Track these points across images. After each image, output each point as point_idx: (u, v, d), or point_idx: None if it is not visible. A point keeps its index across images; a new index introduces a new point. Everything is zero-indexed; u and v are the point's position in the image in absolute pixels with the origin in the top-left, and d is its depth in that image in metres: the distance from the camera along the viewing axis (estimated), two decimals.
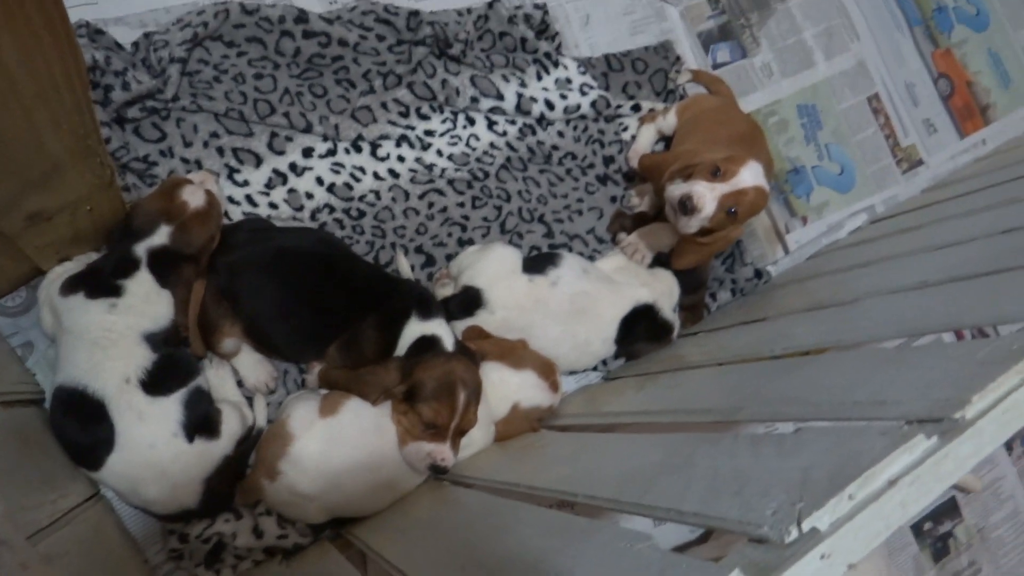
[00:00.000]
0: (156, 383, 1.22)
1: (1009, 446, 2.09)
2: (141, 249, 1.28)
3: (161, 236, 1.29)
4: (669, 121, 1.81)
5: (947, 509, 1.99)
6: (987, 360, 0.85)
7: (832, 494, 0.70)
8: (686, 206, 1.43)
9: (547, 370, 1.45)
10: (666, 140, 1.85)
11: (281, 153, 1.58)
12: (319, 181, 1.59)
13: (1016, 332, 0.92)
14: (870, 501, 0.70)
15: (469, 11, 1.80)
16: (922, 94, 2.25)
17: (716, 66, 2.05)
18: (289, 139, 1.60)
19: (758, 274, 1.84)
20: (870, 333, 1.18)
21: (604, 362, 1.66)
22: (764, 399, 1.06)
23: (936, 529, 1.97)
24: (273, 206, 1.55)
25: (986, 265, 1.24)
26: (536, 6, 1.86)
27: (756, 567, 0.67)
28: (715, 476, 0.85)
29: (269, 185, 1.56)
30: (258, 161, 1.56)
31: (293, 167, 1.58)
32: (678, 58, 1.99)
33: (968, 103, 2.30)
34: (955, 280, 1.24)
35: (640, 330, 1.58)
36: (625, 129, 1.88)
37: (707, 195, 1.43)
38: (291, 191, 1.57)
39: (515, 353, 1.44)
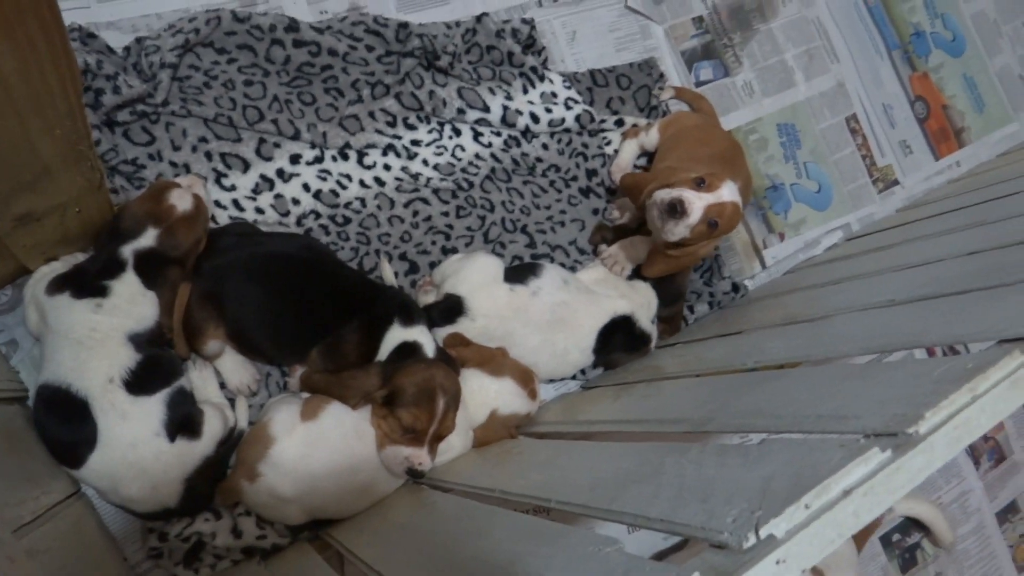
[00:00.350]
0: (139, 383, 1.24)
1: (976, 461, 2.14)
2: (128, 251, 1.30)
3: (148, 238, 1.31)
4: (652, 137, 1.85)
5: (915, 521, 2.04)
6: (942, 378, 0.89)
7: (789, 503, 0.74)
8: (675, 209, 1.45)
9: (526, 378, 1.48)
10: (648, 155, 1.89)
11: (269, 159, 1.61)
12: (306, 187, 1.62)
13: (974, 352, 0.96)
14: (825, 510, 0.73)
15: (458, 24, 1.83)
16: (899, 116, 2.30)
17: (699, 84, 2.10)
18: (277, 145, 1.62)
19: (735, 288, 1.88)
20: (838, 349, 1.22)
21: (583, 371, 1.69)
22: (734, 411, 1.10)
23: (904, 541, 2.02)
24: (259, 211, 1.58)
25: (952, 286, 1.28)
26: (523, 21, 1.90)
27: (715, 571, 0.70)
28: (682, 484, 0.89)
29: (256, 190, 1.58)
30: (246, 166, 1.58)
31: (280, 173, 1.61)
32: (662, 75, 2.03)
33: (943, 126, 2.36)
34: (921, 299, 1.28)
35: (618, 340, 1.62)
36: (608, 143, 1.91)
37: (696, 202, 1.46)
38: (278, 197, 1.59)
39: (495, 361, 1.47)
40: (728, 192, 1.48)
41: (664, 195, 1.46)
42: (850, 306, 1.41)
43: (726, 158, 1.73)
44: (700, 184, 1.46)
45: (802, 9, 2.25)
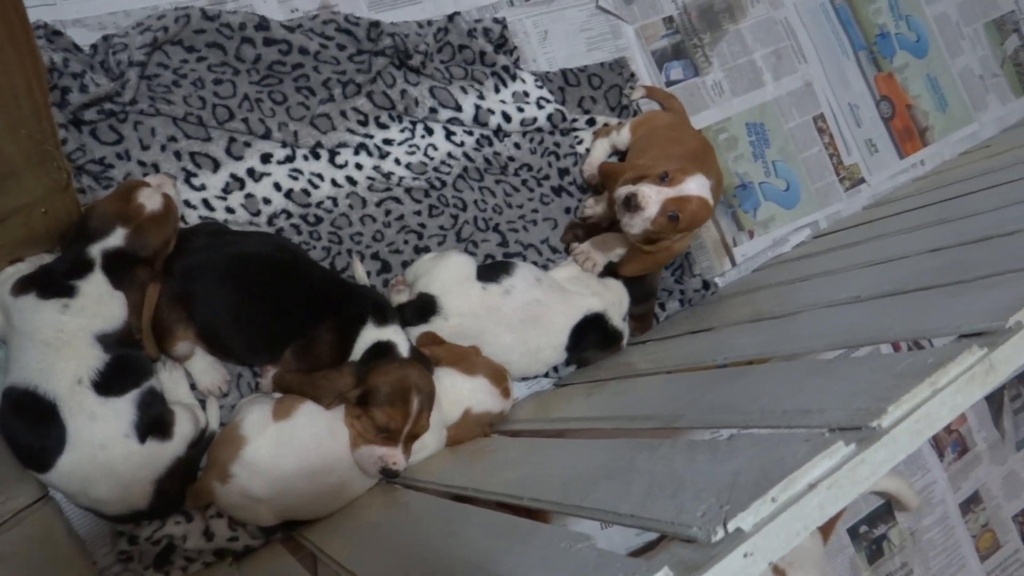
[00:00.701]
0: (108, 384, 1.23)
1: (940, 453, 2.18)
2: (95, 251, 1.29)
3: (116, 238, 1.30)
4: (623, 136, 1.87)
5: (882, 513, 2.08)
6: (904, 373, 0.91)
7: (756, 497, 0.75)
8: (630, 203, 1.48)
9: (499, 376, 1.49)
10: (620, 154, 1.91)
11: (239, 158, 1.60)
12: (277, 187, 1.61)
13: (936, 347, 0.99)
14: (791, 503, 0.75)
15: (430, 23, 1.83)
16: (865, 115, 2.34)
17: (669, 84, 2.12)
18: (247, 145, 1.61)
19: (706, 285, 1.90)
20: (805, 345, 1.24)
21: (555, 368, 1.70)
22: (703, 407, 1.12)
23: (871, 532, 2.06)
24: (230, 211, 1.56)
25: (915, 282, 1.31)
26: (495, 20, 1.90)
27: (684, 565, 0.72)
28: (652, 480, 0.90)
29: (226, 190, 1.57)
30: (216, 166, 1.57)
31: (251, 172, 1.60)
32: (632, 74, 2.05)
33: (908, 125, 2.40)
34: (886, 296, 1.31)
35: (590, 338, 1.63)
36: (580, 142, 1.93)
37: (652, 196, 1.48)
38: (248, 196, 1.58)
39: (468, 359, 1.48)
40: (695, 186, 1.50)
41: (622, 190, 1.48)
42: (817, 302, 1.43)
43: (697, 157, 1.75)
44: (663, 179, 1.48)
45: (770, 10, 2.28)
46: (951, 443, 2.20)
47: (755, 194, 2.14)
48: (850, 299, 1.36)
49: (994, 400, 2.29)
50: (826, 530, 1.86)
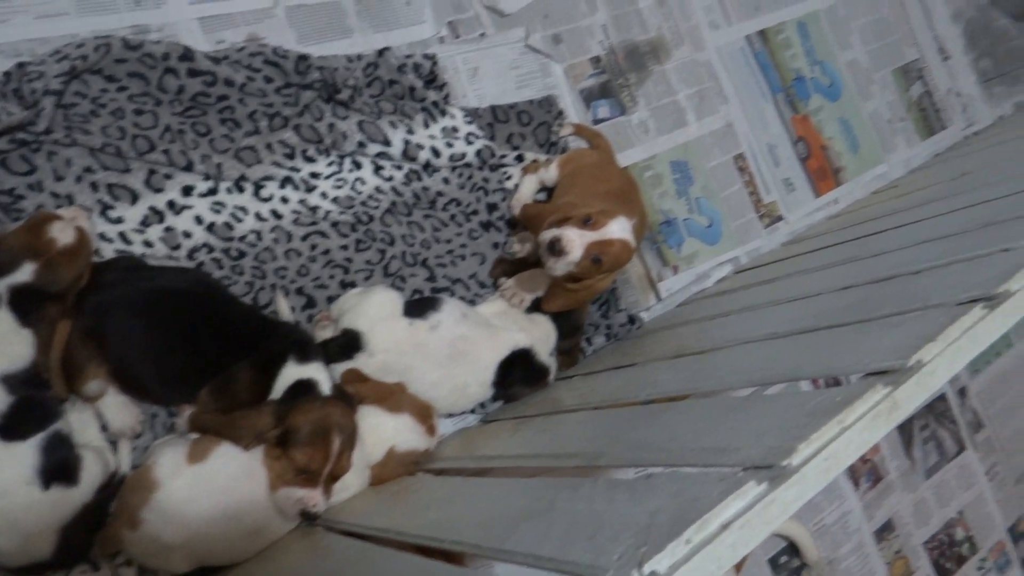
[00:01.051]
0: (12, 427, 1.18)
1: (856, 482, 2.26)
2: (1, 287, 1.23)
3: (24, 273, 1.25)
4: (551, 173, 1.90)
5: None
6: (814, 410, 0.94)
7: (672, 538, 0.76)
8: (554, 247, 1.50)
9: (424, 414, 1.48)
10: (548, 190, 1.93)
11: (159, 191, 1.56)
12: (198, 220, 1.57)
13: (845, 386, 1.03)
14: (705, 544, 0.76)
15: (359, 58, 1.83)
16: (782, 155, 2.44)
17: (596, 121, 2.16)
18: (168, 177, 1.57)
19: (631, 320, 1.94)
20: (723, 381, 1.27)
21: (482, 404, 1.70)
22: (625, 444, 1.13)
23: (791, 562, 2.10)
24: (148, 244, 1.52)
25: (827, 319, 1.36)
26: (426, 56, 1.92)
27: None
28: (573, 521, 0.90)
29: (145, 223, 1.53)
30: (134, 198, 1.53)
31: (171, 205, 1.56)
32: (561, 112, 2.08)
33: (823, 165, 2.51)
34: (800, 332, 1.36)
35: (517, 374, 1.64)
36: (509, 178, 1.95)
37: (576, 240, 1.51)
38: (168, 229, 1.54)
39: (393, 397, 1.46)
40: (617, 229, 1.53)
41: (546, 234, 1.51)
42: (736, 339, 1.47)
43: (622, 194, 1.79)
44: (586, 222, 1.51)
45: (693, 53, 2.36)
46: (865, 472, 2.27)
47: (679, 230, 2.20)
48: (767, 336, 1.40)
49: (905, 430, 2.38)
50: (739, 564, 1.89)
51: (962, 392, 2.54)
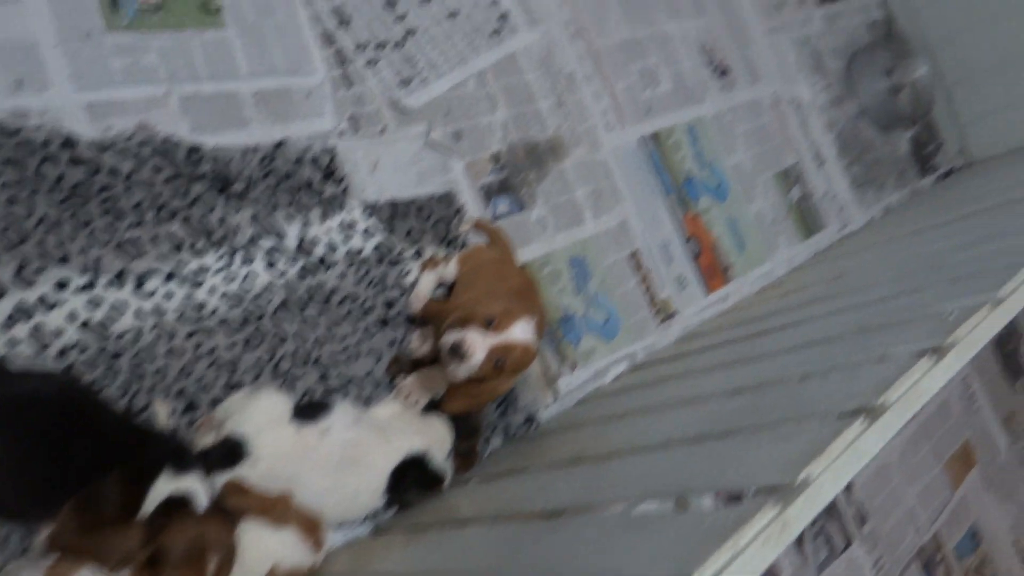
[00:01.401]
0: None
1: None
2: None
3: None
4: (450, 269, 1.89)
5: None
6: (709, 531, 0.94)
7: None
8: (457, 351, 1.49)
9: (311, 526, 1.40)
10: (447, 287, 1.92)
11: (30, 284, 1.45)
12: (71, 317, 1.47)
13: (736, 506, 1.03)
14: None
15: (255, 149, 1.80)
16: (675, 253, 2.53)
17: (496, 217, 2.19)
18: (41, 270, 1.47)
19: (529, 420, 1.92)
20: (618, 493, 1.26)
21: (374, 513, 1.63)
22: (521, 564, 1.10)
23: None
24: (13, 343, 1.41)
25: (719, 425, 1.38)
26: (324, 150, 1.90)
27: None
28: None
29: (11, 319, 1.42)
30: (0, 293, 1.42)
31: (42, 300, 1.46)
32: (461, 208, 2.10)
33: (712, 263, 2.62)
34: (694, 439, 1.37)
35: (411, 480, 1.58)
36: (407, 274, 1.93)
37: (478, 343, 1.50)
38: (36, 328, 1.43)
39: (276, 509, 1.38)
40: (520, 332, 1.53)
41: (448, 337, 1.50)
42: (631, 444, 1.48)
43: (521, 293, 1.80)
44: (489, 323, 1.51)
45: (591, 152, 2.44)
46: (790, 556, 2.30)
47: (577, 326, 2.22)
48: (662, 442, 1.41)
49: None
50: None
51: (848, 486, 2.63)
